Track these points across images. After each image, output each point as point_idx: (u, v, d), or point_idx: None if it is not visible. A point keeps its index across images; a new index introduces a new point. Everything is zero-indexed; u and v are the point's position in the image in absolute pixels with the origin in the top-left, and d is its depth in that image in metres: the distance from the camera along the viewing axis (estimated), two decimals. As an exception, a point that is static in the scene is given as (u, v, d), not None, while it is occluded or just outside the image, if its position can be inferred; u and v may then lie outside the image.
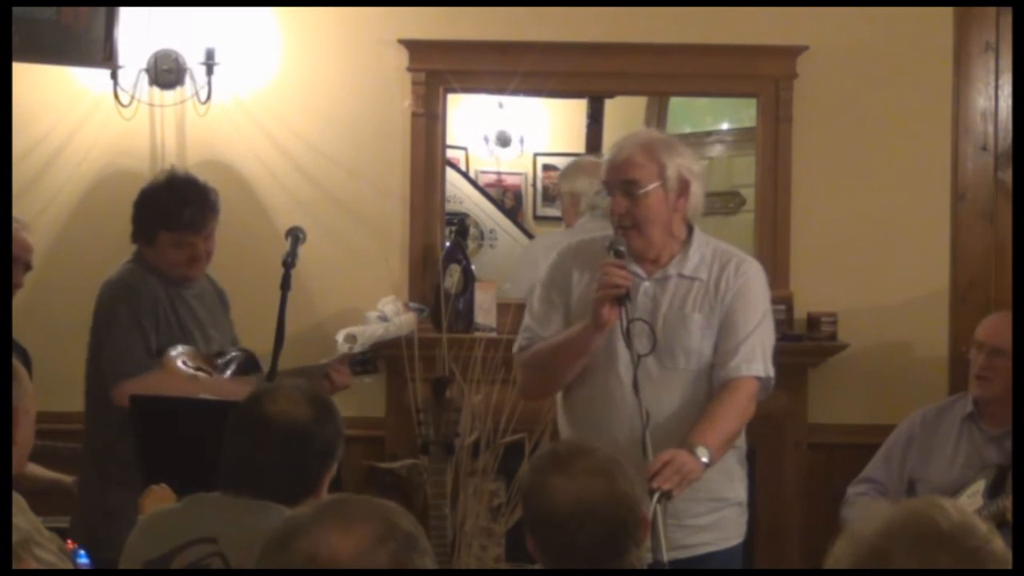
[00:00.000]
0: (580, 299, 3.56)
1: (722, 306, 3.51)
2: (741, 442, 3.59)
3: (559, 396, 3.71)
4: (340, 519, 1.76)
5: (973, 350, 4.38)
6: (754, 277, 3.58)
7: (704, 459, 3.27)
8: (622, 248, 3.44)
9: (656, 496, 3.12)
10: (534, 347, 3.59)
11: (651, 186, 3.46)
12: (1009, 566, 1.67)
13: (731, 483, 3.51)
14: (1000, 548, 1.67)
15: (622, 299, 3.33)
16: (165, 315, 4.15)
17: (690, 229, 3.57)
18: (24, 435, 2.75)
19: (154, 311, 4.12)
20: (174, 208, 4.12)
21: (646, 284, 3.49)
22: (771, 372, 3.53)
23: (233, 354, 4.23)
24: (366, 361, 4.37)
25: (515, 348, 3.66)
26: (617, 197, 3.49)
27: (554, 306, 3.60)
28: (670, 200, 3.49)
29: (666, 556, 3.07)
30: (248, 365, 4.24)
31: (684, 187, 3.50)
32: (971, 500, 4.12)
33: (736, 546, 3.61)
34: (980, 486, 4.15)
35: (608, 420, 3.49)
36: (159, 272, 4.17)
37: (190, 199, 4.15)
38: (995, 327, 4.31)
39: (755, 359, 3.49)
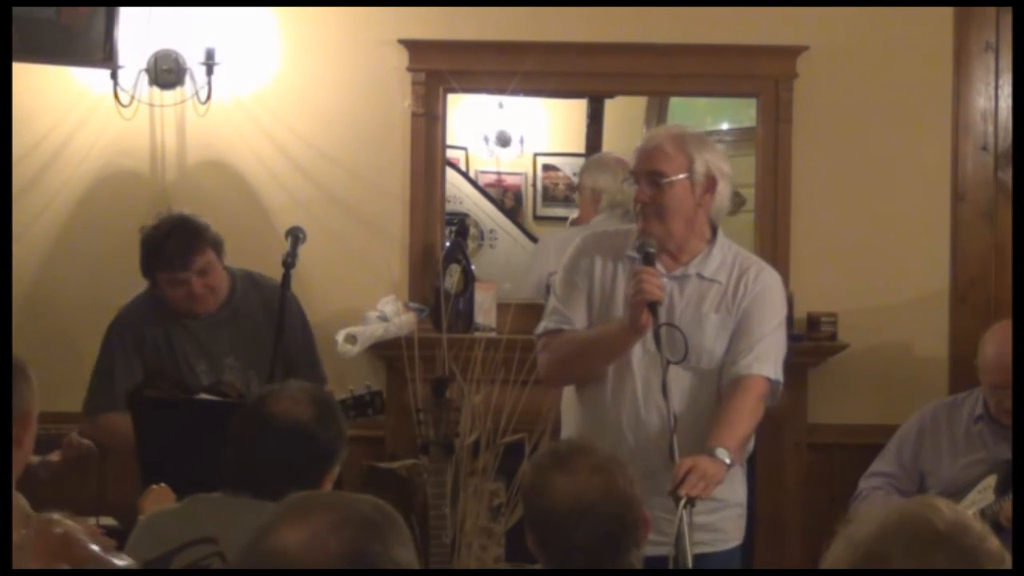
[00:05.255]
0: (601, 287, 3.57)
1: (738, 310, 3.53)
2: (749, 444, 3.60)
3: (565, 391, 3.71)
4: (297, 513, 1.73)
5: (989, 386, 4.25)
6: (773, 285, 3.60)
7: (726, 460, 3.29)
8: (652, 250, 3.44)
9: (683, 503, 3.14)
10: (564, 336, 3.58)
11: (677, 177, 3.47)
12: (1005, 565, 1.67)
13: (731, 485, 3.50)
14: (996, 547, 1.67)
15: (653, 304, 3.34)
16: (155, 347, 4.23)
17: (714, 230, 3.58)
18: (30, 440, 2.74)
19: (138, 345, 4.24)
20: (159, 246, 4.18)
21: (664, 280, 3.48)
22: (780, 378, 3.55)
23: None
24: (363, 404, 4.15)
25: (539, 329, 3.66)
26: (642, 185, 3.50)
27: (577, 288, 3.60)
28: (696, 194, 3.50)
29: (691, 562, 3.08)
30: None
31: (711, 183, 3.51)
32: (982, 496, 4.10)
33: (734, 548, 3.62)
34: (991, 481, 4.12)
35: (617, 416, 3.50)
36: (165, 301, 4.24)
37: (173, 235, 4.18)
38: (1006, 363, 4.13)
39: (767, 360, 3.51)
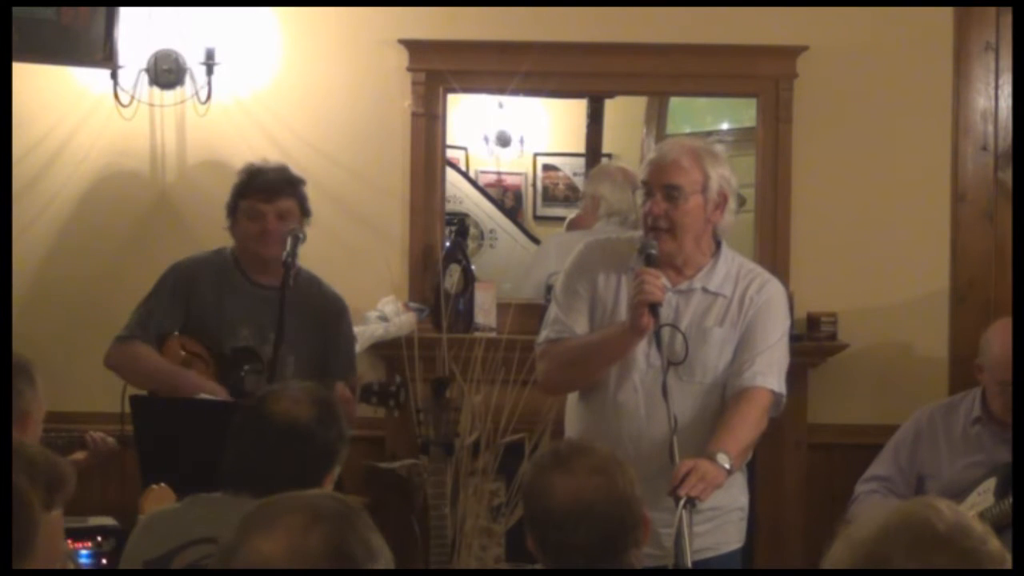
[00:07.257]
0: (603, 295, 3.58)
1: (743, 322, 3.53)
2: (748, 454, 3.59)
3: (568, 398, 3.71)
4: (261, 523, 1.71)
5: (998, 384, 4.24)
6: (776, 296, 3.61)
7: (726, 466, 3.29)
8: (654, 252, 3.44)
9: (682, 503, 3.14)
10: (564, 343, 3.58)
11: (693, 193, 3.48)
12: (1006, 566, 1.67)
13: (729, 490, 3.49)
14: (997, 548, 1.67)
15: (654, 306, 3.35)
16: (203, 301, 4.21)
17: (718, 243, 3.59)
18: (30, 442, 2.73)
19: (187, 294, 4.22)
20: (257, 174, 4.25)
21: (669, 295, 3.49)
22: (784, 390, 3.55)
23: (249, 367, 4.19)
24: (387, 394, 4.19)
25: (541, 338, 3.65)
26: (657, 199, 3.48)
27: (579, 297, 3.60)
28: (708, 210, 3.51)
29: (690, 563, 3.08)
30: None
31: (722, 200, 3.52)
32: (981, 498, 4.09)
33: (735, 551, 3.62)
34: (990, 484, 4.11)
35: (618, 427, 3.50)
36: (229, 262, 4.25)
37: (274, 171, 4.27)
38: (1010, 360, 4.09)
39: (771, 373, 3.52)
